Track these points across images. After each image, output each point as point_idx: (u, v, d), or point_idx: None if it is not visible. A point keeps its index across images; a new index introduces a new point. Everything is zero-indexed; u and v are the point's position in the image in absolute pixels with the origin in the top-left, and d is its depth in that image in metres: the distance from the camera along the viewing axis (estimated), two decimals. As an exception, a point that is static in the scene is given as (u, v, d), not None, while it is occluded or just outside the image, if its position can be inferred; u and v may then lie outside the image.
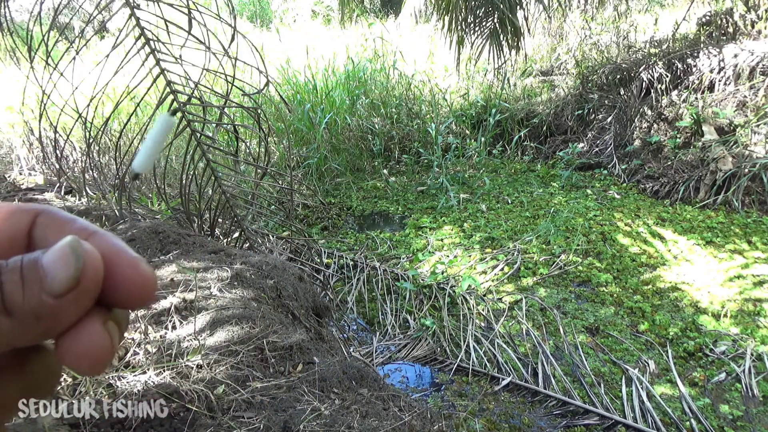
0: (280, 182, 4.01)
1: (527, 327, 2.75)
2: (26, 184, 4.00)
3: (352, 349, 2.67)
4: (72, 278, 0.21)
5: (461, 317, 2.89)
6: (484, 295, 3.10)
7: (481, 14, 4.80)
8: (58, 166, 3.47)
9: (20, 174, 4.27)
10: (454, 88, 6.49)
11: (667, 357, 2.47)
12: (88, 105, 2.33)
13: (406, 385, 2.47)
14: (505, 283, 3.24)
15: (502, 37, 4.85)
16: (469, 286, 3.12)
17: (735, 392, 2.25)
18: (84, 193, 3.62)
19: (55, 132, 2.73)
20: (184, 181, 2.67)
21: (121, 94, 2.33)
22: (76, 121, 2.39)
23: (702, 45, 5.23)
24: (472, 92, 6.36)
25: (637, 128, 5.10)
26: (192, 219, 2.98)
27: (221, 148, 3.21)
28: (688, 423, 2.08)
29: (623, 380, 2.34)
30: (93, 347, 0.22)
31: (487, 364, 2.51)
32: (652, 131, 4.97)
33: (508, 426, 2.12)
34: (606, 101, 5.60)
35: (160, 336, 1.79)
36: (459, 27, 4.75)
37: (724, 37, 5.41)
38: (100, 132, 2.49)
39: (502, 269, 3.38)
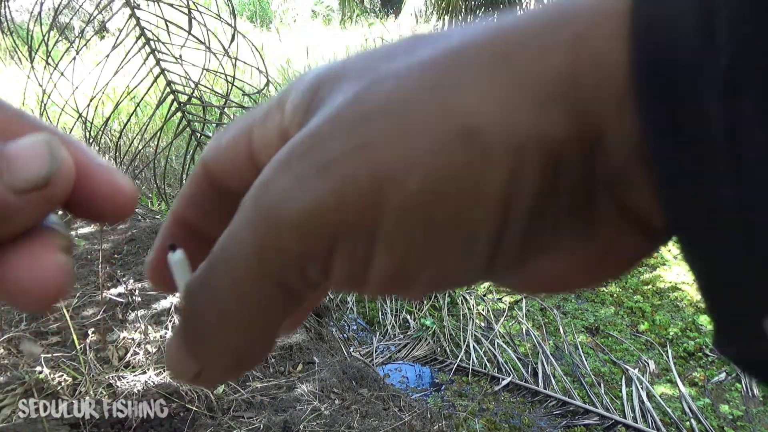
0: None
1: (527, 327, 2.75)
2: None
3: (352, 349, 2.67)
4: (42, 177, 0.18)
5: (461, 317, 2.89)
6: (484, 295, 3.10)
7: (480, 14, 4.81)
8: (58, 166, 3.46)
9: (20, 174, 4.27)
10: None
11: (667, 357, 2.47)
12: (88, 105, 2.33)
13: (406, 385, 2.47)
14: (505, 283, 3.24)
15: (502, 37, 4.86)
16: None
17: (735, 392, 2.25)
18: (84, 193, 3.62)
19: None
20: (184, 181, 2.67)
21: (121, 94, 2.34)
22: (76, 121, 2.39)
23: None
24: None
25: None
26: (192, 219, 2.98)
27: (221, 148, 3.21)
28: (688, 423, 2.08)
29: (623, 380, 2.34)
30: (48, 277, 0.18)
31: (487, 364, 2.52)
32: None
33: (508, 426, 2.12)
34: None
35: (160, 336, 1.79)
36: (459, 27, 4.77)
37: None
38: (100, 132, 2.49)
39: (502, 269, 3.38)
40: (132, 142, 2.91)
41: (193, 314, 0.17)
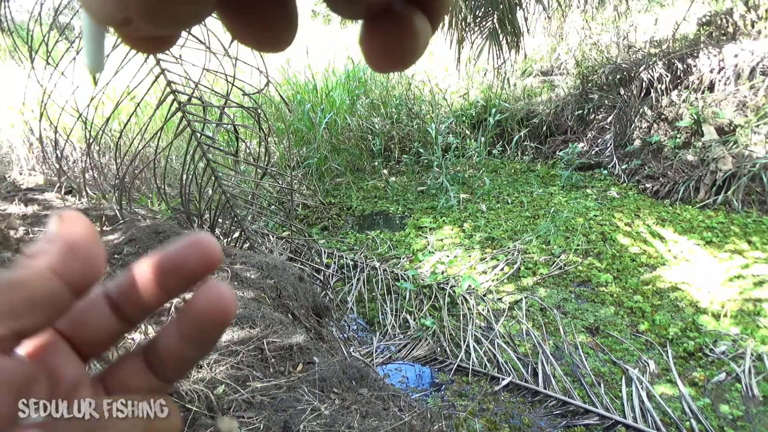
0: (280, 182, 4.01)
1: (527, 327, 2.75)
2: (26, 184, 4.00)
3: (352, 349, 2.67)
4: None
5: (461, 317, 2.88)
6: (484, 295, 3.09)
7: (480, 14, 4.80)
8: (58, 166, 3.47)
9: (20, 174, 4.27)
10: (454, 88, 6.49)
11: (667, 357, 2.47)
12: (89, 105, 2.33)
13: (406, 385, 2.47)
14: (505, 283, 3.24)
15: (501, 37, 4.85)
16: (469, 286, 3.12)
17: (735, 392, 2.25)
18: (84, 193, 3.62)
19: (55, 132, 2.73)
20: (184, 181, 2.67)
21: (121, 94, 2.33)
22: (77, 121, 2.39)
23: (702, 45, 5.23)
24: (472, 92, 6.36)
25: (637, 128, 5.10)
26: (192, 219, 2.98)
27: (221, 148, 3.21)
28: (688, 423, 2.08)
29: (623, 380, 2.34)
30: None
31: (487, 364, 2.51)
32: (652, 131, 4.97)
33: (508, 426, 2.12)
34: (606, 101, 5.60)
35: (160, 336, 1.79)
36: (459, 26, 4.76)
37: (724, 37, 5.41)
38: (100, 132, 2.49)
39: (502, 269, 3.38)
40: (132, 142, 2.90)
41: None
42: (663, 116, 4.97)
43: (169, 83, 2.35)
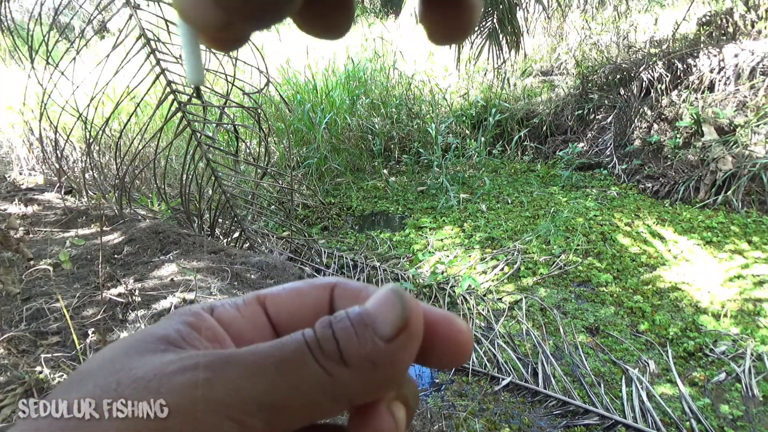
0: (280, 182, 4.01)
1: (527, 327, 2.75)
2: (26, 184, 4.00)
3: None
4: (401, 319, 0.21)
5: (461, 317, 2.88)
6: (484, 295, 3.10)
7: (481, 13, 4.79)
8: (58, 166, 3.47)
9: (20, 174, 4.28)
10: (454, 88, 6.49)
11: (667, 357, 2.47)
12: (89, 105, 2.33)
13: (406, 385, 2.46)
14: (505, 283, 3.24)
15: (501, 37, 4.85)
16: (469, 286, 3.12)
17: (735, 392, 2.25)
18: (84, 193, 3.63)
19: (56, 132, 2.73)
20: (184, 181, 2.67)
21: (121, 94, 2.33)
22: (77, 121, 2.39)
23: (702, 45, 5.23)
24: (472, 92, 6.36)
25: (637, 128, 5.10)
26: (192, 219, 2.98)
27: (221, 148, 3.21)
28: (688, 423, 2.08)
29: (623, 380, 2.34)
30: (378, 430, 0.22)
31: (487, 364, 2.51)
32: (652, 131, 4.97)
33: (508, 426, 2.12)
34: (606, 101, 5.60)
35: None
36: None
37: (724, 37, 5.41)
38: (100, 132, 2.49)
39: (502, 269, 3.38)
40: (132, 142, 2.90)
41: None
42: (663, 116, 4.97)
43: (169, 83, 2.35)
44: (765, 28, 5.15)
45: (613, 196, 4.43)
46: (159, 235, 2.80)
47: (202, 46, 0.22)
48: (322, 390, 0.21)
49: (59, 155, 3.15)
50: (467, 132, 6.02)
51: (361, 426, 0.23)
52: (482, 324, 2.86)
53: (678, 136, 4.70)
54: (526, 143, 5.78)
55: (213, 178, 2.78)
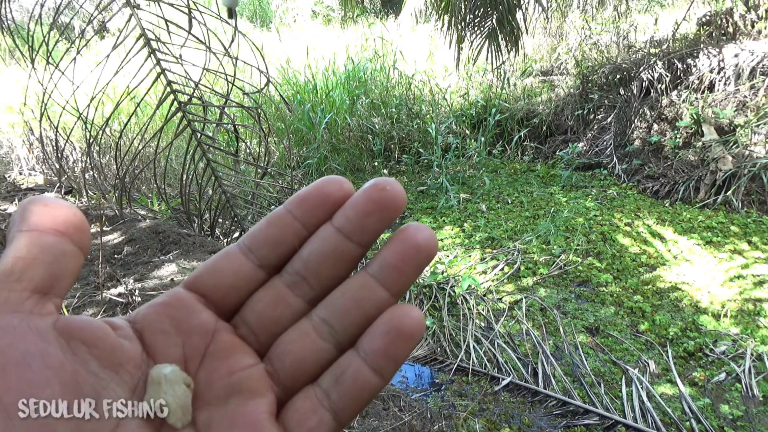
0: (280, 182, 4.01)
1: (527, 327, 2.75)
2: (26, 184, 4.00)
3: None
4: None
5: (461, 317, 2.89)
6: (484, 295, 3.10)
7: (479, 14, 4.80)
8: (58, 166, 3.47)
9: (20, 174, 4.28)
10: (454, 88, 6.49)
11: (667, 357, 2.47)
12: (89, 105, 2.33)
13: (406, 385, 2.47)
14: (505, 283, 3.24)
15: (501, 37, 4.85)
16: (469, 286, 3.12)
17: (735, 392, 2.25)
18: (84, 193, 3.62)
19: (56, 132, 2.73)
20: (184, 181, 2.67)
21: (122, 94, 2.33)
22: (77, 121, 2.39)
23: (702, 45, 5.23)
24: (472, 92, 6.36)
25: (637, 128, 5.10)
26: (192, 219, 2.98)
27: (221, 147, 3.21)
28: (688, 423, 2.08)
29: (623, 380, 2.34)
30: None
31: (487, 364, 2.51)
32: (652, 131, 4.97)
33: (508, 426, 2.12)
34: (606, 101, 5.60)
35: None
36: (459, 26, 4.75)
37: (724, 37, 5.41)
38: (100, 132, 2.49)
39: (502, 269, 3.38)
40: (132, 142, 2.90)
41: None
42: (663, 116, 4.97)
43: (169, 83, 2.35)
44: (765, 28, 5.14)
45: (613, 196, 4.43)
46: (159, 235, 2.80)
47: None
48: None
49: (59, 155, 3.15)
50: (467, 132, 6.02)
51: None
52: (482, 324, 2.86)
53: (678, 136, 4.70)
54: (526, 143, 5.78)
55: (213, 178, 2.78)
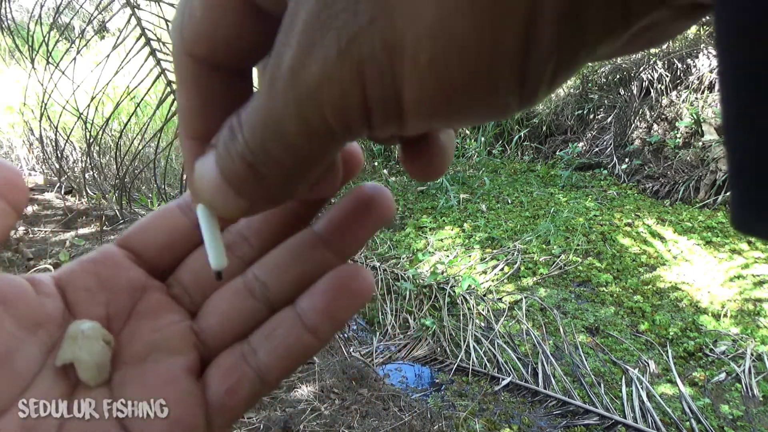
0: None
1: (527, 327, 2.75)
2: (26, 184, 3.99)
3: (352, 349, 2.67)
4: None
5: (461, 317, 2.89)
6: (484, 295, 3.10)
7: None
8: (58, 166, 3.47)
9: (20, 174, 4.27)
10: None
11: (667, 357, 2.47)
12: (89, 105, 2.33)
13: (406, 385, 2.47)
14: (505, 283, 3.24)
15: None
16: (469, 286, 3.12)
17: (735, 392, 2.25)
18: (84, 193, 3.63)
19: (56, 132, 2.73)
20: (184, 181, 2.67)
21: (122, 94, 2.33)
22: (77, 121, 2.39)
23: (702, 45, 5.23)
24: (472, 92, 6.36)
25: (637, 128, 5.10)
26: (192, 219, 2.97)
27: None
28: (688, 423, 2.08)
29: (623, 380, 2.34)
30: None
31: (487, 364, 2.51)
32: (652, 131, 4.97)
33: (508, 426, 2.12)
34: (606, 101, 5.60)
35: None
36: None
37: (724, 37, 5.40)
38: (100, 132, 2.49)
39: (502, 269, 3.38)
40: (132, 142, 2.90)
41: (246, 168, 0.18)
42: (663, 116, 4.97)
43: (169, 83, 2.35)
44: (765, 28, 5.14)
45: (613, 196, 4.43)
46: (159, 235, 2.80)
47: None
48: None
49: (59, 155, 3.15)
50: (467, 132, 6.02)
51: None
52: (482, 324, 2.86)
53: (678, 136, 4.70)
54: (525, 143, 5.78)
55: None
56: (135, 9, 2.13)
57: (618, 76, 5.59)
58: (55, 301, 0.24)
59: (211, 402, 0.23)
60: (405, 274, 3.30)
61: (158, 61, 2.28)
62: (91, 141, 2.55)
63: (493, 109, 0.16)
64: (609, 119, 5.40)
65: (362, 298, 0.24)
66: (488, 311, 2.93)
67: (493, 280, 3.27)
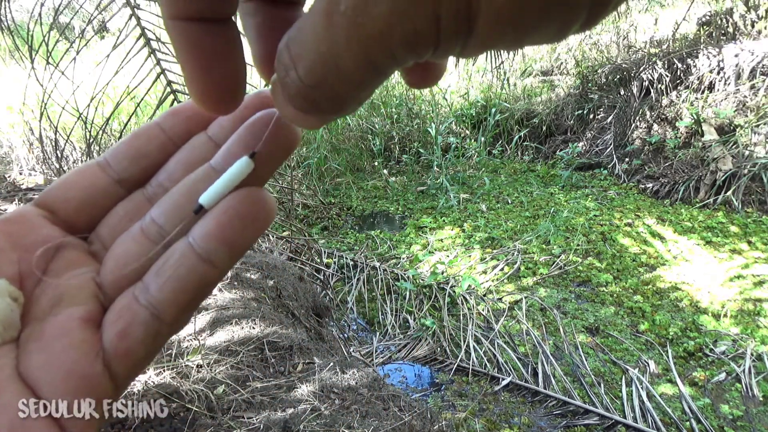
0: (280, 182, 4.01)
1: (527, 327, 2.75)
2: (26, 184, 4.00)
3: (352, 349, 2.67)
4: None
5: (461, 317, 2.89)
6: (484, 295, 3.09)
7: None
8: (58, 166, 3.47)
9: (20, 174, 4.28)
10: (454, 88, 6.49)
11: (667, 357, 2.47)
12: (89, 105, 2.33)
13: (406, 385, 2.47)
14: (505, 283, 3.24)
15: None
16: (469, 286, 3.12)
17: (735, 392, 2.25)
18: (84, 193, 3.62)
19: (56, 132, 2.73)
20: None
21: (121, 94, 2.33)
22: (77, 121, 2.39)
23: (702, 45, 5.23)
24: (472, 92, 6.36)
25: (637, 128, 5.10)
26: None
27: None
28: (688, 423, 2.08)
29: (623, 380, 2.34)
30: None
31: (487, 364, 2.51)
32: (652, 131, 4.97)
33: (508, 426, 2.12)
34: (606, 101, 5.60)
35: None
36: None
37: (724, 37, 5.41)
38: (100, 132, 2.49)
39: (502, 269, 3.38)
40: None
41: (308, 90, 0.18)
42: (663, 116, 4.97)
43: (169, 83, 2.35)
44: (765, 28, 5.15)
45: (613, 196, 4.43)
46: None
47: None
48: None
49: (59, 155, 3.15)
50: (467, 132, 6.02)
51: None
52: (482, 324, 2.86)
53: (678, 136, 4.69)
54: (525, 143, 5.78)
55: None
56: (135, 9, 2.13)
57: (618, 76, 5.59)
58: None
59: (106, 349, 0.22)
60: (405, 274, 3.30)
61: (158, 61, 2.28)
62: (91, 141, 2.55)
63: (566, 24, 0.15)
64: (609, 119, 5.39)
65: (260, 221, 0.23)
66: (488, 311, 2.93)
67: (493, 280, 3.27)
